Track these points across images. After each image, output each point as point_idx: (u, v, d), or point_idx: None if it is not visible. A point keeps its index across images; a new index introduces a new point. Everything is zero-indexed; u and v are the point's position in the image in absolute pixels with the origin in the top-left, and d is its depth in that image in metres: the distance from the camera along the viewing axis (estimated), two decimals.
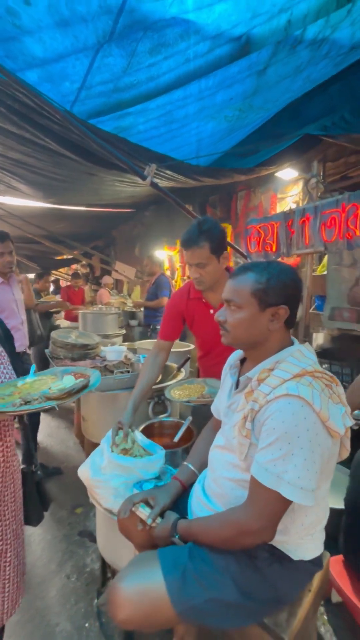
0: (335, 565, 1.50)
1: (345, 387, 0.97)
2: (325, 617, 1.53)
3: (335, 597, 1.55)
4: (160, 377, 1.92)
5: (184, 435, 1.81)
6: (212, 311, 1.68)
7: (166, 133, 2.55)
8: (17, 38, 1.43)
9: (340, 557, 1.53)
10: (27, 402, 0.92)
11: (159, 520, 1.00)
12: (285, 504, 0.79)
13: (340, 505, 1.53)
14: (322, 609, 1.55)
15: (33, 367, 1.17)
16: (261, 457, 0.80)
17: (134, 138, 2.39)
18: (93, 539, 1.94)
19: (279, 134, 3.06)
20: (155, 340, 3.24)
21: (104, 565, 1.64)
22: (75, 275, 6.56)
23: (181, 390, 1.82)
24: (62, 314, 5.66)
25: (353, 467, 1.50)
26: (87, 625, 1.49)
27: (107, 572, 1.65)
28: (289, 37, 1.65)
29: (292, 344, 0.95)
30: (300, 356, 0.88)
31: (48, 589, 1.66)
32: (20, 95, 1.60)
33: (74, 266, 10.46)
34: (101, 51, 1.47)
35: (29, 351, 2.71)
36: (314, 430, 0.77)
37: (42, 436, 3.19)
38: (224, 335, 0.98)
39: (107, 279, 6.98)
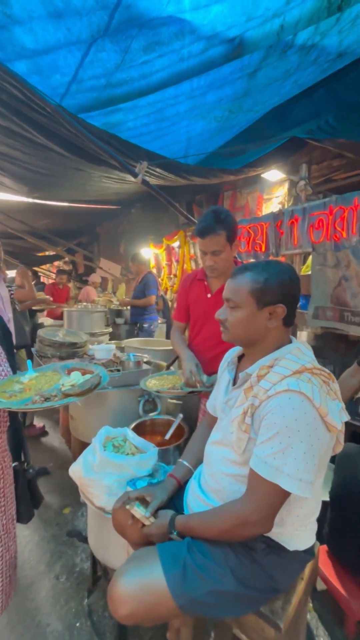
0: (321, 555, 1.57)
1: None
2: (311, 604, 1.59)
3: (320, 586, 1.62)
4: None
5: (175, 432, 1.82)
6: (209, 295, 1.74)
7: (156, 130, 2.54)
8: (7, 27, 1.38)
9: (324, 547, 1.60)
10: (46, 399, 0.92)
11: (152, 519, 1.01)
12: (284, 495, 0.82)
13: (324, 497, 1.60)
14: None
15: (30, 363, 1.15)
16: (261, 451, 0.83)
17: (123, 134, 2.37)
18: (82, 539, 1.93)
19: (266, 135, 3.12)
20: (142, 338, 3.33)
21: (94, 564, 1.63)
22: (60, 272, 6.42)
23: (158, 380, 1.84)
24: (45, 312, 5.53)
25: (337, 462, 1.56)
26: (78, 624, 1.48)
27: (97, 570, 1.65)
28: (280, 42, 1.68)
29: (290, 341, 0.98)
30: (299, 353, 0.92)
31: (38, 590, 1.64)
32: (8, 87, 1.55)
33: (57, 263, 10.23)
34: (94, 45, 1.45)
35: (15, 350, 2.64)
36: (313, 425, 0.80)
37: None
38: (224, 333, 1.01)
39: (94, 277, 6.88)
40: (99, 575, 1.65)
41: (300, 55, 1.92)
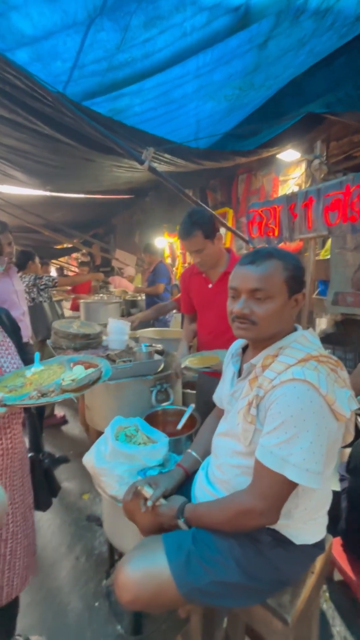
0: (336, 546, 1.53)
1: (349, 372, 0.96)
2: (328, 594, 1.57)
3: (338, 576, 1.60)
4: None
5: (187, 422, 1.82)
6: (210, 285, 1.83)
7: (164, 114, 2.46)
8: (4, 14, 1.36)
9: (339, 539, 1.56)
10: (43, 395, 0.92)
11: (163, 501, 1.01)
12: (291, 486, 0.79)
13: (335, 487, 1.55)
14: (324, 586, 1.59)
15: (37, 356, 1.16)
16: (266, 441, 0.81)
17: (130, 121, 2.31)
18: (100, 523, 1.99)
19: (281, 113, 2.95)
20: (157, 329, 3.39)
21: (111, 547, 1.68)
22: (82, 263, 6.51)
23: (198, 360, 1.84)
24: (69, 304, 5.66)
25: (353, 459, 1.50)
26: (96, 604, 1.54)
27: (114, 554, 1.70)
28: (290, 7, 1.55)
29: (294, 329, 0.94)
30: (305, 341, 0.88)
31: (59, 571, 1.72)
32: (10, 77, 1.53)
33: (74, 255, 10.38)
34: (93, 26, 1.40)
35: (32, 342, 2.71)
36: (320, 414, 0.77)
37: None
38: (248, 330, 0.89)
39: (129, 270, 6.97)
40: (116, 559, 1.70)
41: (314, 20, 1.77)
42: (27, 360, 1.21)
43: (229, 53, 1.84)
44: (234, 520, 0.85)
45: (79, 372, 1.04)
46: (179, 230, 1.68)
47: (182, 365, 1.82)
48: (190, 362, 1.80)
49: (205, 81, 2.13)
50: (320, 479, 0.77)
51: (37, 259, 3.26)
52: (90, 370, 1.05)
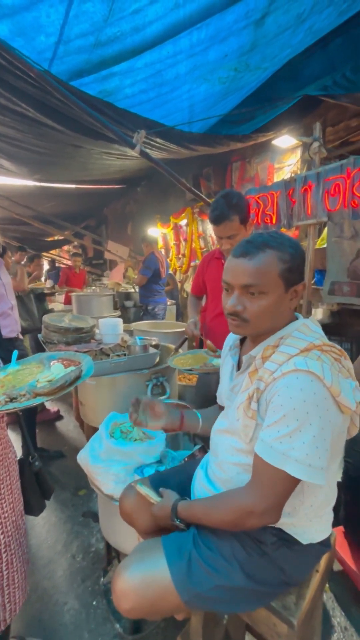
0: (337, 535, 1.52)
1: None
2: (327, 585, 1.57)
3: (337, 566, 1.59)
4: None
5: None
6: None
7: (156, 98, 2.35)
8: None
9: (340, 528, 1.55)
10: (12, 399, 0.83)
11: (155, 497, 0.97)
12: (293, 483, 0.75)
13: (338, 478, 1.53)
14: None
15: (15, 354, 1.08)
16: (266, 435, 0.76)
17: (121, 103, 2.21)
18: (97, 520, 1.95)
19: (277, 96, 2.86)
20: (152, 321, 3.35)
21: (108, 545, 1.65)
22: (75, 254, 6.35)
23: (184, 360, 1.79)
24: (62, 297, 5.52)
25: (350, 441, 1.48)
26: (94, 603, 1.51)
27: (111, 551, 1.67)
28: None
29: (295, 318, 0.88)
30: (307, 330, 0.83)
31: (55, 570, 1.68)
32: None
33: (66, 247, 10.20)
34: None
35: (21, 336, 2.63)
36: (324, 406, 0.72)
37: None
38: (240, 327, 0.84)
39: (121, 263, 6.88)
40: (114, 556, 1.67)
41: None
42: (19, 356, 1.14)
43: (225, 30, 1.74)
44: (233, 523, 0.81)
45: (57, 372, 0.96)
46: (213, 215, 1.56)
47: (170, 364, 1.75)
48: (176, 362, 1.74)
49: (200, 61, 2.03)
50: (324, 474, 0.73)
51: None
52: (70, 368, 0.97)
